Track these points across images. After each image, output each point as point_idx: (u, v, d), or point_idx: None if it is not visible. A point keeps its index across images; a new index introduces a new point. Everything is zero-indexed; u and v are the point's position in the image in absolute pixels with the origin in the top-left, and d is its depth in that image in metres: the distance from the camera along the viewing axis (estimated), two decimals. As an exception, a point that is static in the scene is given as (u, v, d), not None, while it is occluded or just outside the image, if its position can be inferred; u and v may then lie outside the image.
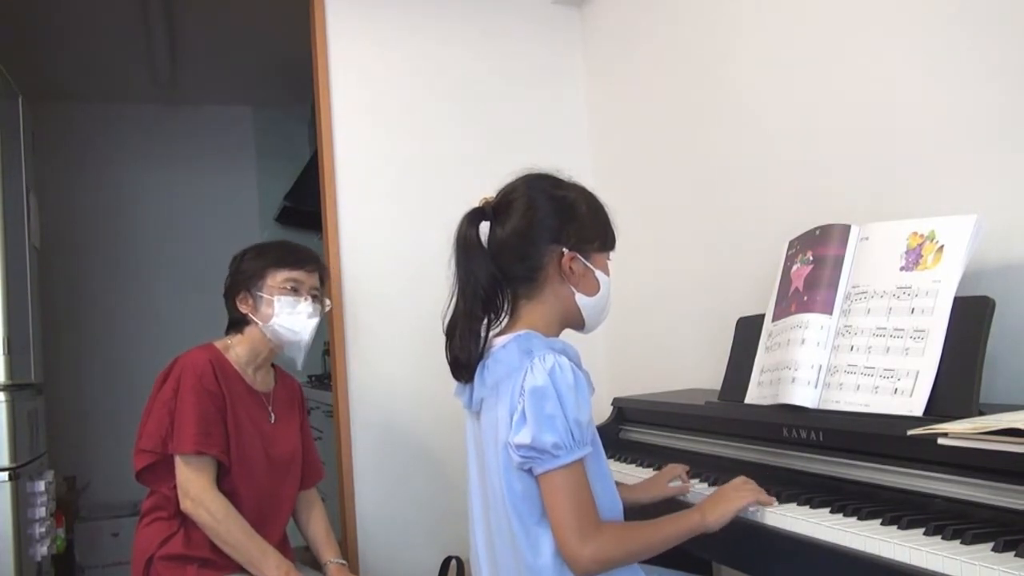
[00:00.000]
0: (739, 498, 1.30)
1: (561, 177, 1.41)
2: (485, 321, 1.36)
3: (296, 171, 4.59)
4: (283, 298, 1.91)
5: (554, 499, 1.22)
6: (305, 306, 1.93)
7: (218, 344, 1.96)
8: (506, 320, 1.39)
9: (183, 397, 1.81)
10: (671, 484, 1.55)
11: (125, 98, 4.69)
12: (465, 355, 1.35)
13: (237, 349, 1.95)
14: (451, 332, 1.37)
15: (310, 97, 3.12)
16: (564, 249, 1.34)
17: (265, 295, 1.91)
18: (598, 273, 1.38)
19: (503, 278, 1.36)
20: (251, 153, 5.02)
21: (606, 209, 1.42)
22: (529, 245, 1.34)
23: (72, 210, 4.54)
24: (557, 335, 1.37)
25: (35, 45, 3.88)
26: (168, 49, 3.99)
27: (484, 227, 1.36)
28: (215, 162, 4.90)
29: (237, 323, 1.97)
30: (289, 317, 1.90)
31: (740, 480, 1.36)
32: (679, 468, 1.58)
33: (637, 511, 1.48)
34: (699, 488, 1.52)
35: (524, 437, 1.22)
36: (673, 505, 1.52)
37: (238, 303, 1.94)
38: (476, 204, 1.39)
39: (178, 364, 1.87)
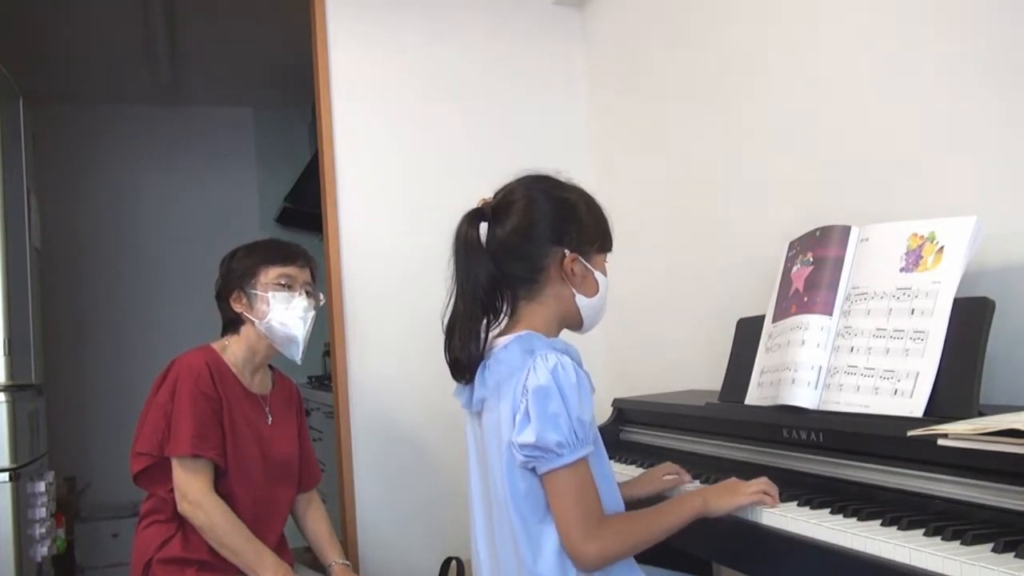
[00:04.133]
0: (747, 496, 1.31)
1: (560, 178, 1.42)
2: (484, 322, 1.36)
3: (296, 172, 4.60)
4: (277, 294, 1.90)
5: (559, 497, 1.23)
6: (300, 301, 1.92)
7: (215, 345, 1.95)
8: (505, 321, 1.39)
9: (179, 400, 1.81)
10: (666, 477, 1.56)
11: (126, 99, 4.70)
12: (465, 355, 1.35)
13: (234, 350, 1.95)
14: (450, 333, 1.37)
15: (310, 98, 3.12)
16: (566, 251, 1.35)
17: (259, 292, 1.90)
18: (597, 274, 1.39)
19: (503, 279, 1.36)
20: (252, 154, 5.03)
21: (603, 210, 1.43)
22: (530, 246, 1.35)
23: (73, 211, 4.54)
24: (556, 335, 1.38)
25: (36, 47, 3.88)
26: (169, 51, 3.99)
27: (483, 228, 1.36)
28: (216, 163, 4.91)
29: (233, 323, 1.97)
30: (285, 313, 1.90)
31: (760, 480, 1.34)
32: (673, 466, 1.59)
33: (634, 506, 1.48)
34: (697, 487, 1.52)
35: (528, 436, 1.22)
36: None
37: (232, 303, 1.93)
38: (475, 205, 1.39)
39: (175, 367, 1.87)
